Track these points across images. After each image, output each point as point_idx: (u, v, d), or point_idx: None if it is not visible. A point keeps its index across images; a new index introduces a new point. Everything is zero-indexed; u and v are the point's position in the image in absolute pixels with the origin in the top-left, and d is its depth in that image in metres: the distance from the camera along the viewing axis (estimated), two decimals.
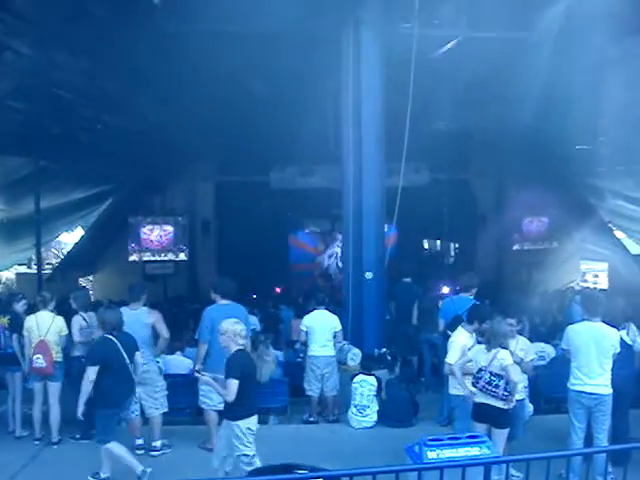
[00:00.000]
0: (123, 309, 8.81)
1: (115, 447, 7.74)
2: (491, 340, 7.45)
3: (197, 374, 8.70)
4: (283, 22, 10.35)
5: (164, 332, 8.84)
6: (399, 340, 12.39)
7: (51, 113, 13.70)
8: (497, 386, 7.21)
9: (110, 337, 7.79)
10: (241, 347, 7.14)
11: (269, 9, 9.99)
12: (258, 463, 7.02)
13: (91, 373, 7.58)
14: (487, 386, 7.25)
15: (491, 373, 7.27)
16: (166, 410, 9.00)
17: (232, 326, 7.14)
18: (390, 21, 11.00)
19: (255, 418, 7.20)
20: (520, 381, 7.51)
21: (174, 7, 10.05)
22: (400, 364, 11.09)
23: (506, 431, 7.37)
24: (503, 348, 7.39)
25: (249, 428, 7.10)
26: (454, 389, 8.04)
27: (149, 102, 14.91)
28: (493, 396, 7.24)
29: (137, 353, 7.97)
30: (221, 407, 8.79)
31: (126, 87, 13.52)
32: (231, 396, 6.89)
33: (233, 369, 6.98)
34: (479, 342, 7.97)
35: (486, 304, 10.20)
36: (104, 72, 12.46)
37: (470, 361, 7.67)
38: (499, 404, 7.27)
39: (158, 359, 9.21)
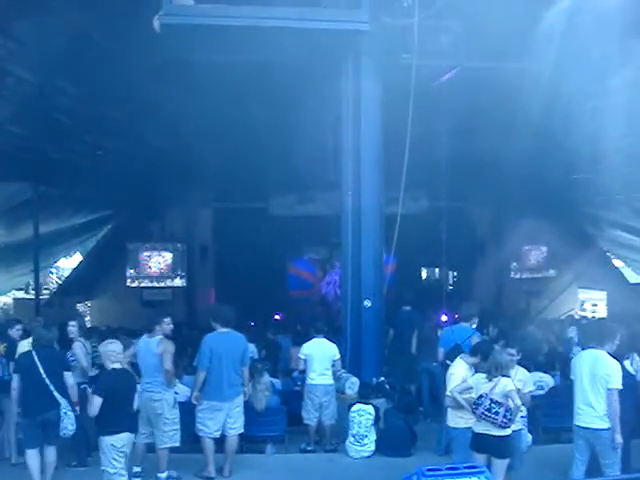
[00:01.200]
0: (143, 337, 8.90)
1: (29, 459, 8.08)
2: (492, 370, 7.44)
3: (195, 401, 8.71)
4: (283, 52, 10.45)
5: (165, 364, 8.56)
6: (397, 369, 12.35)
7: (51, 138, 13.79)
8: (497, 413, 7.18)
9: (31, 351, 8.28)
10: (116, 366, 7.60)
11: (270, 39, 10.07)
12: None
13: (13, 382, 8.23)
14: (486, 412, 7.22)
15: (491, 400, 7.24)
16: (176, 444, 8.73)
17: (104, 347, 7.78)
18: (389, 51, 11.09)
19: (122, 437, 7.46)
20: (522, 405, 7.50)
21: (175, 35, 10.10)
22: (398, 393, 11.02)
23: (506, 461, 7.34)
24: (504, 376, 7.40)
25: (113, 445, 7.38)
26: (452, 421, 7.99)
27: (149, 129, 15.00)
28: (492, 423, 7.22)
29: (65, 373, 8.25)
30: (218, 435, 8.79)
31: (126, 113, 13.61)
32: (92, 411, 7.32)
33: (98, 386, 7.56)
34: (477, 371, 7.97)
35: (488, 339, 10.17)
36: (104, 98, 12.55)
37: (471, 389, 7.64)
38: (498, 432, 7.25)
39: (177, 391, 9.10)
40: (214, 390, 8.83)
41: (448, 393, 7.94)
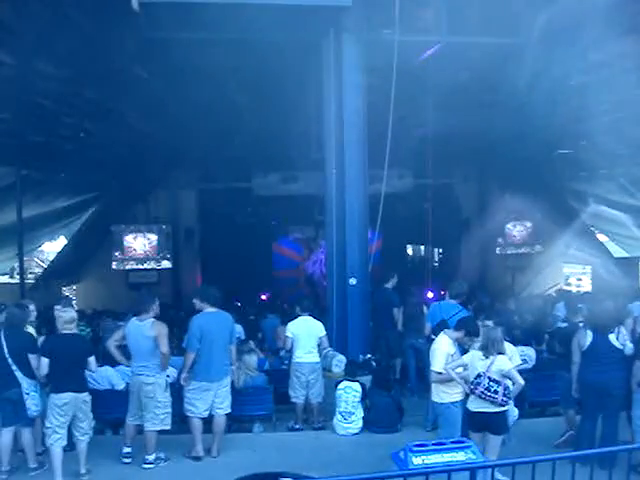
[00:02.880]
0: (132, 319, 8.74)
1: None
2: (489, 347, 7.47)
3: (183, 382, 8.69)
4: (264, 29, 10.36)
5: (162, 347, 8.41)
6: (379, 345, 12.38)
7: (33, 122, 13.65)
8: (496, 392, 7.23)
9: None
10: (65, 331, 8.02)
11: (250, 16, 9.98)
12: (56, 435, 7.84)
13: None
14: (486, 392, 7.25)
15: (489, 379, 7.28)
16: (167, 427, 8.66)
17: (57, 312, 8.38)
18: (371, 27, 11.04)
19: (64, 396, 7.86)
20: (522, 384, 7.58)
21: (156, 14, 10.01)
22: (374, 369, 10.98)
23: (501, 437, 7.45)
24: (499, 354, 7.46)
25: (55, 403, 7.84)
26: (437, 397, 8.01)
27: (132, 110, 14.89)
28: (492, 402, 7.27)
29: (30, 356, 8.13)
30: (206, 414, 8.79)
31: (109, 95, 13.50)
32: (41, 371, 7.89)
33: (43, 348, 8.05)
34: (461, 346, 8.05)
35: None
36: (86, 80, 12.43)
37: (464, 365, 7.69)
38: (495, 408, 7.31)
39: (168, 374, 9.05)
40: (204, 371, 8.80)
41: (433, 368, 7.96)
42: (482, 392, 7.28)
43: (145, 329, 8.49)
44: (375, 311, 12.56)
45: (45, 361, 7.84)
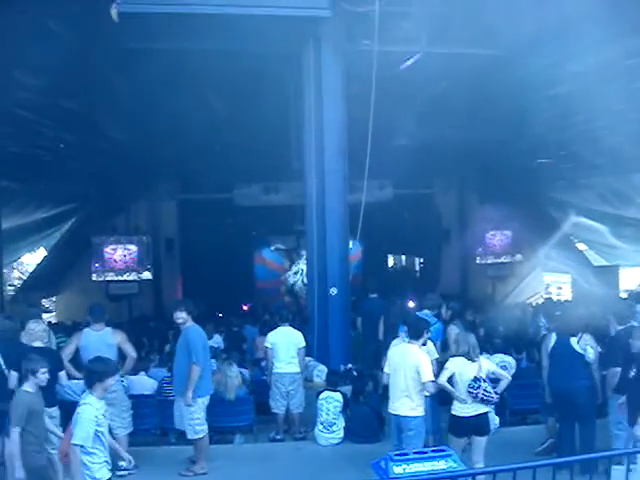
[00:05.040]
0: (86, 330, 8.72)
1: None
2: (471, 352, 7.69)
3: (190, 402, 8.48)
4: (244, 39, 10.39)
5: (131, 352, 8.63)
6: (367, 356, 12.36)
7: (12, 133, 13.56)
8: (490, 392, 7.50)
9: None
10: (37, 344, 7.99)
11: (229, 26, 10.00)
12: None
13: None
14: (485, 394, 7.48)
15: (483, 380, 7.54)
16: (131, 430, 8.82)
17: (27, 325, 8.23)
18: (351, 38, 11.08)
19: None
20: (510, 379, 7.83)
21: (135, 25, 9.99)
22: (354, 378, 10.95)
23: (486, 438, 7.64)
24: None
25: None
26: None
27: (111, 121, 14.84)
28: (489, 402, 7.55)
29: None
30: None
31: (88, 106, 13.44)
32: (10, 384, 7.64)
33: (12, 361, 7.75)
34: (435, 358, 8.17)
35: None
36: (66, 91, 12.37)
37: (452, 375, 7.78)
38: (480, 410, 7.55)
39: (123, 379, 9.05)
40: (208, 384, 8.77)
41: (430, 379, 7.86)
42: (483, 394, 7.46)
43: (107, 337, 8.51)
44: (364, 322, 12.63)
45: (14, 375, 7.61)
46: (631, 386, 7.52)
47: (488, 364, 7.89)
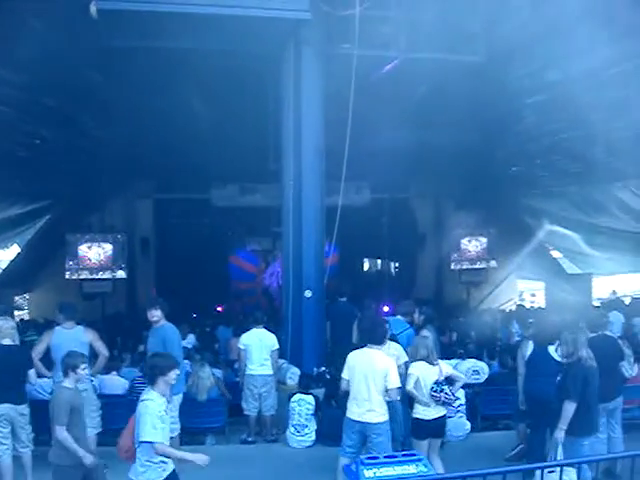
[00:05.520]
0: (57, 329, 8.67)
1: None
2: (430, 356, 7.87)
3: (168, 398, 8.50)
4: (223, 40, 10.37)
5: (103, 350, 8.64)
6: (337, 360, 12.36)
7: None
8: (451, 395, 7.73)
9: None
10: (6, 342, 7.96)
11: (209, 26, 9.98)
12: (2, 447, 7.75)
13: None
14: (447, 396, 7.67)
15: (442, 383, 7.73)
16: (100, 430, 8.77)
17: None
18: (331, 40, 11.09)
19: (2, 407, 7.78)
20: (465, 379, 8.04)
21: (114, 23, 9.94)
22: (326, 381, 10.95)
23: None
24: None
25: None
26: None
27: (89, 118, 14.76)
28: (450, 404, 7.87)
29: None
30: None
31: (65, 102, 13.35)
32: None
33: None
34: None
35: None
36: (42, 87, 12.26)
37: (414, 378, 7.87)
38: (440, 412, 7.75)
39: (92, 378, 9.00)
40: (182, 383, 8.83)
41: (409, 387, 7.92)
42: (445, 397, 7.64)
43: (79, 335, 8.48)
44: (332, 325, 12.59)
45: None
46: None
47: (446, 367, 8.06)
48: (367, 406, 7.53)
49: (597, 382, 7.52)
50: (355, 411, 7.61)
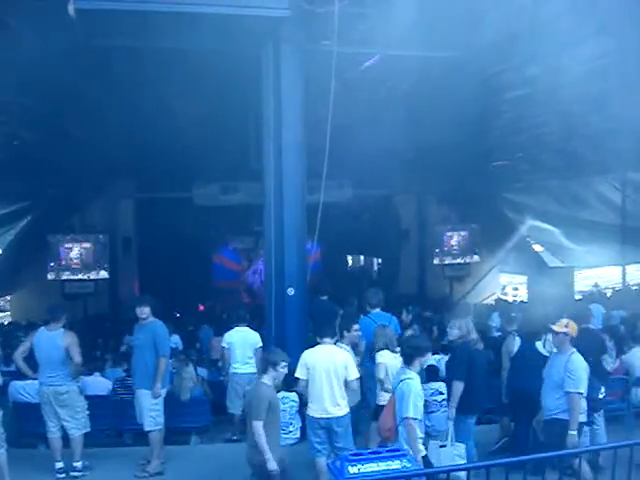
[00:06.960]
0: (41, 329, 8.70)
1: None
2: (389, 344, 8.52)
3: (159, 392, 8.56)
4: (202, 38, 10.33)
5: (76, 357, 8.56)
6: None
7: None
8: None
9: None
10: None
11: (187, 25, 9.94)
12: None
13: None
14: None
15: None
16: (88, 430, 8.81)
17: None
18: (310, 38, 11.07)
19: None
20: None
21: (92, 22, 9.87)
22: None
23: None
24: None
25: None
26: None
27: (68, 118, 14.65)
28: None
29: None
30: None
31: (44, 102, 13.25)
32: None
33: None
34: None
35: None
36: (20, 87, 12.17)
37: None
38: None
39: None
40: (167, 378, 9.04)
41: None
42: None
43: (57, 339, 8.49)
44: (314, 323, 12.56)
45: None
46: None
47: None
48: (332, 401, 7.70)
49: (483, 363, 8.30)
50: (319, 408, 7.75)
